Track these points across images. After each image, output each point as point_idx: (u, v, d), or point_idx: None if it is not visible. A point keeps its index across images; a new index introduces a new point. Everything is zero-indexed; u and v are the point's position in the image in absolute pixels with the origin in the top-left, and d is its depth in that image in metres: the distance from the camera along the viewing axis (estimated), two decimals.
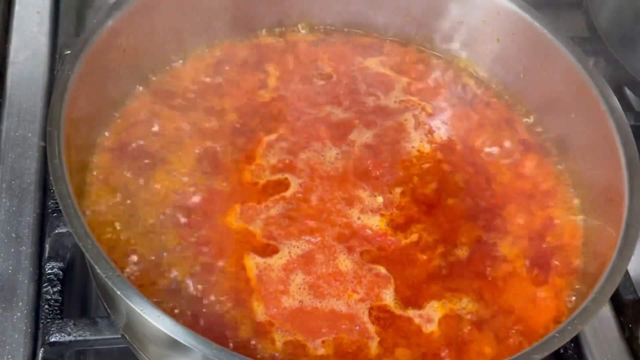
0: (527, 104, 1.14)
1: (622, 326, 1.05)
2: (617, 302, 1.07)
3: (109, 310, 0.94)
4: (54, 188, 0.84)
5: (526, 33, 1.10)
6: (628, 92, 1.35)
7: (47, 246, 1.04)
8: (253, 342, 0.89)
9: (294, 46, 1.18)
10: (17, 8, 1.28)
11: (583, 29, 1.32)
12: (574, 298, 0.97)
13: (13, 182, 1.08)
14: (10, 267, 1.02)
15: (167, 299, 0.91)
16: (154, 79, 1.09)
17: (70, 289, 0.99)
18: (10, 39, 1.24)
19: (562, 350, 1.02)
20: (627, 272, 1.07)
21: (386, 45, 1.20)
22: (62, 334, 0.94)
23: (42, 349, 0.95)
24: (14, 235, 1.04)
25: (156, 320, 0.77)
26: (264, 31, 1.18)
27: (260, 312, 0.92)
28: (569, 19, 1.45)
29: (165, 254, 0.95)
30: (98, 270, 0.79)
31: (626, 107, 1.34)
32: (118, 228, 0.96)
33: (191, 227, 0.97)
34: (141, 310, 0.77)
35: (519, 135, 1.12)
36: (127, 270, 0.92)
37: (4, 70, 1.20)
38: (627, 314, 1.05)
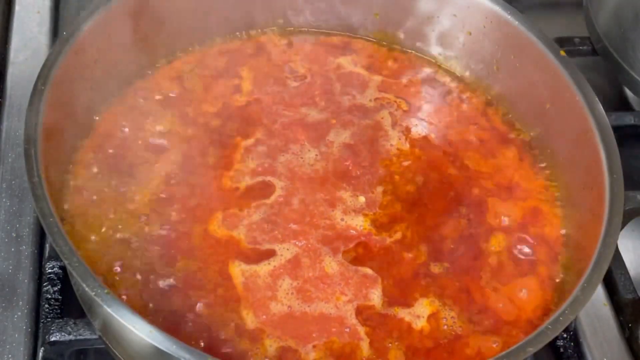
0: (502, 96, 1.14)
1: (622, 326, 1.05)
2: (617, 302, 1.07)
3: (88, 316, 0.94)
4: (34, 207, 0.83)
5: (497, 25, 1.10)
6: (627, 91, 1.35)
7: (47, 246, 1.04)
8: (245, 350, 0.88)
9: (265, 49, 1.17)
10: (17, 8, 1.28)
11: (583, 28, 1.32)
12: (560, 288, 0.97)
13: (13, 182, 1.08)
14: (11, 267, 1.01)
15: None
16: (126, 89, 1.07)
17: (71, 288, 0.98)
18: (11, 39, 1.24)
19: (562, 350, 1.03)
20: (626, 272, 1.08)
21: (357, 43, 1.20)
22: (63, 333, 0.93)
23: (43, 348, 0.94)
24: (14, 234, 1.04)
25: (148, 336, 0.76)
26: (233, 36, 1.17)
27: (250, 319, 0.91)
28: (570, 18, 1.46)
29: (147, 264, 0.93)
30: (87, 289, 0.77)
31: (626, 107, 1.36)
32: (98, 238, 0.94)
33: (172, 236, 0.96)
34: (133, 326, 0.76)
35: (496, 128, 1.12)
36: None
37: (4, 70, 1.20)
38: (627, 313, 1.05)
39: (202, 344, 0.88)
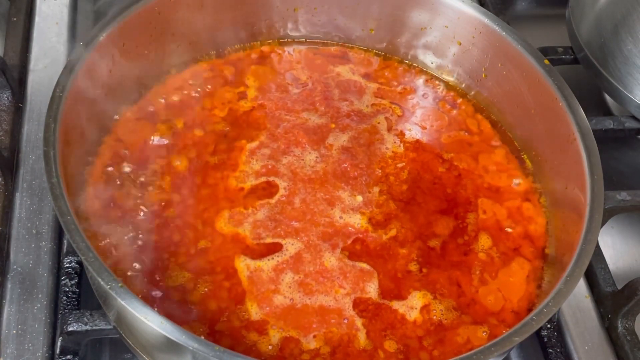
0: (490, 102, 1.13)
1: (602, 316, 1.05)
2: (598, 294, 1.06)
3: (104, 307, 0.93)
4: (53, 205, 0.82)
5: (485, 36, 1.09)
6: (607, 97, 1.34)
7: (65, 242, 1.03)
8: (251, 340, 0.88)
9: (269, 58, 1.16)
10: (37, 19, 1.27)
11: (566, 39, 1.31)
12: (544, 281, 0.97)
13: (33, 182, 1.08)
14: (31, 262, 1.01)
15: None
16: (139, 95, 1.06)
17: (87, 282, 0.98)
18: (31, 48, 1.23)
19: (546, 339, 1.02)
20: (606, 266, 1.08)
21: (354, 53, 1.19)
22: (80, 324, 0.93)
23: (61, 337, 0.94)
24: (34, 231, 1.03)
25: (159, 326, 0.75)
26: (239, 47, 1.15)
27: (254, 311, 0.90)
28: (553, 29, 1.45)
29: (155, 259, 0.93)
30: (102, 282, 0.77)
31: (606, 112, 1.36)
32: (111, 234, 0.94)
33: (180, 233, 0.95)
34: (145, 317, 0.76)
35: (484, 133, 1.11)
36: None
37: (25, 77, 1.19)
38: (607, 304, 1.04)
39: (209, 334, 0.88)
